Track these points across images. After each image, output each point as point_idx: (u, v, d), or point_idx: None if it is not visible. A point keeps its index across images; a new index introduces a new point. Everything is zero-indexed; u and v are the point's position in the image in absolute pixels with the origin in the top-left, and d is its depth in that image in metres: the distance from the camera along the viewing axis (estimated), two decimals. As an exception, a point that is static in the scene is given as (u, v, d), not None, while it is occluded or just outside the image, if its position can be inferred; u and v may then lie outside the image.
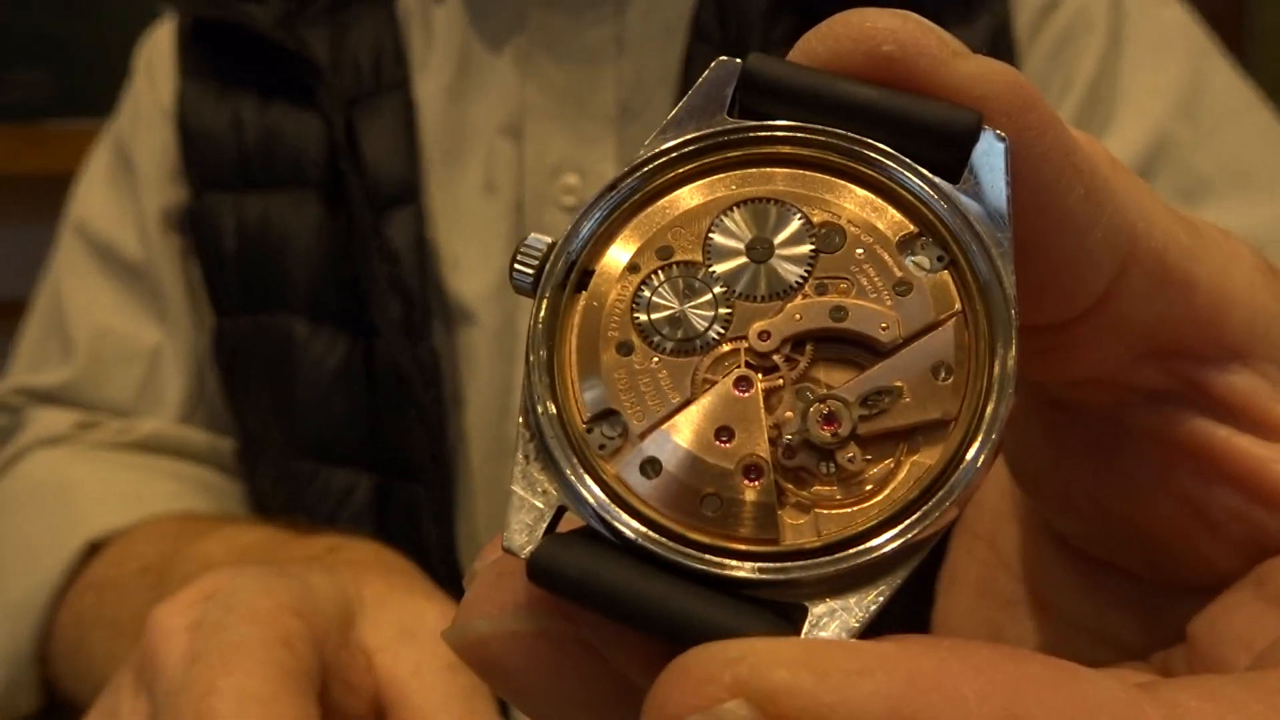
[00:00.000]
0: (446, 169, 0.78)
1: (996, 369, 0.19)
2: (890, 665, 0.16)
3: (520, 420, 0.20)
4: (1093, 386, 0.25)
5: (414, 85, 0.78)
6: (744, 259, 0.20)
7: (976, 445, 0.18)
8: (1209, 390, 0.24)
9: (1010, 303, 0.19)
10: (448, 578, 0.76)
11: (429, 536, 0.76)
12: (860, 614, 0.18)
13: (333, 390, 0.78)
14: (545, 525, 0.19)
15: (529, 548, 0.19)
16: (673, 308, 0.20)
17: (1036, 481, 0.28)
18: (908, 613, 0.23)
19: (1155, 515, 0.25)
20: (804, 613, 0.18)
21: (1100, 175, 0.21)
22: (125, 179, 0.87)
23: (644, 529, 0.18)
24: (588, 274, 0.20)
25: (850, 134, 0.20)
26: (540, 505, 0.19)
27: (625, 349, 0.20)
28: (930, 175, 0.20)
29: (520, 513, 0.19)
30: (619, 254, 0.20)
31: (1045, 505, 0.29)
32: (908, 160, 0.20)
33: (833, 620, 0.18)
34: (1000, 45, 0.75)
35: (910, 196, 0.20)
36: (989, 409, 0.19)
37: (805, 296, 0.19)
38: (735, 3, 0.73)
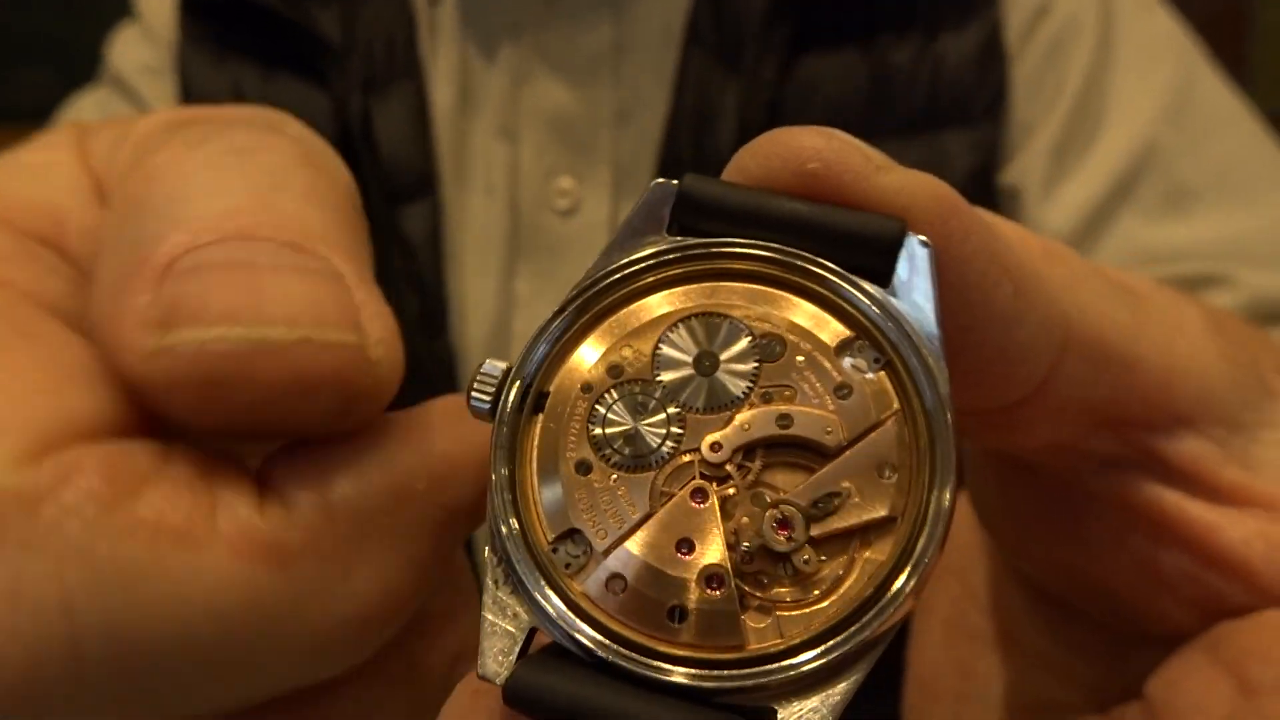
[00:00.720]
0: (455, 166, 0.78)
1: (938, 461, 0.20)
2: None
3: (488, 547, 0.20)
4: (1048, 452, 0.25)
5: (425, 75, 0.78)
6: (692, 372, 0.21)
7: (924, 538, 0.19)
8: (1159, 457, 0.24)
9: (944, 400, 0.20)
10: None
11: None
12: (826, 713, 0.19)
13: None
14: (518, 649, 0.20)
15: (503, 674, 0.19)
16: (627, 425, 0.21)
17: (998, 533, 0.29)
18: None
19: (1111, 572, 0.26)
20: (773, 715, 0.19)
21: (1029, 271, 0.22)
22: (127, 109, 0.84)
23: (613, 644, 0.19)
24: (543, 396, 0.21)
25: (785, 248, 0.21)
26: (512, 629, 0.20)
27: (583, 468, 0.20)
28: (862, 283, 0.21)
29: (493, 639, 0.20)
30: (573, 375, 0.21)
31: (1008, 554, 0.29)
32: (841, 270, 0.21)
33: None
34: (992, 51, 0.75)
35: (845, 304, 0.21)
36: (933, 501, 0.19)
37: (752, 406, 0.20)
38: (732, 8, 0.74)
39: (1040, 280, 0.22)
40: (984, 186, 0.75)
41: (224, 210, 0.24)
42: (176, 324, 0.22)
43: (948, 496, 0.19)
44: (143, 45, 0.85)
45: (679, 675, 0.19)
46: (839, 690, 0.19)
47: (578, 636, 0.19)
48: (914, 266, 0.21)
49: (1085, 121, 0.75)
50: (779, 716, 0.19)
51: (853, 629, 0.19)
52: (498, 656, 0.20)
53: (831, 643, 0.19)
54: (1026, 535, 0.28)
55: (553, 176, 0.77)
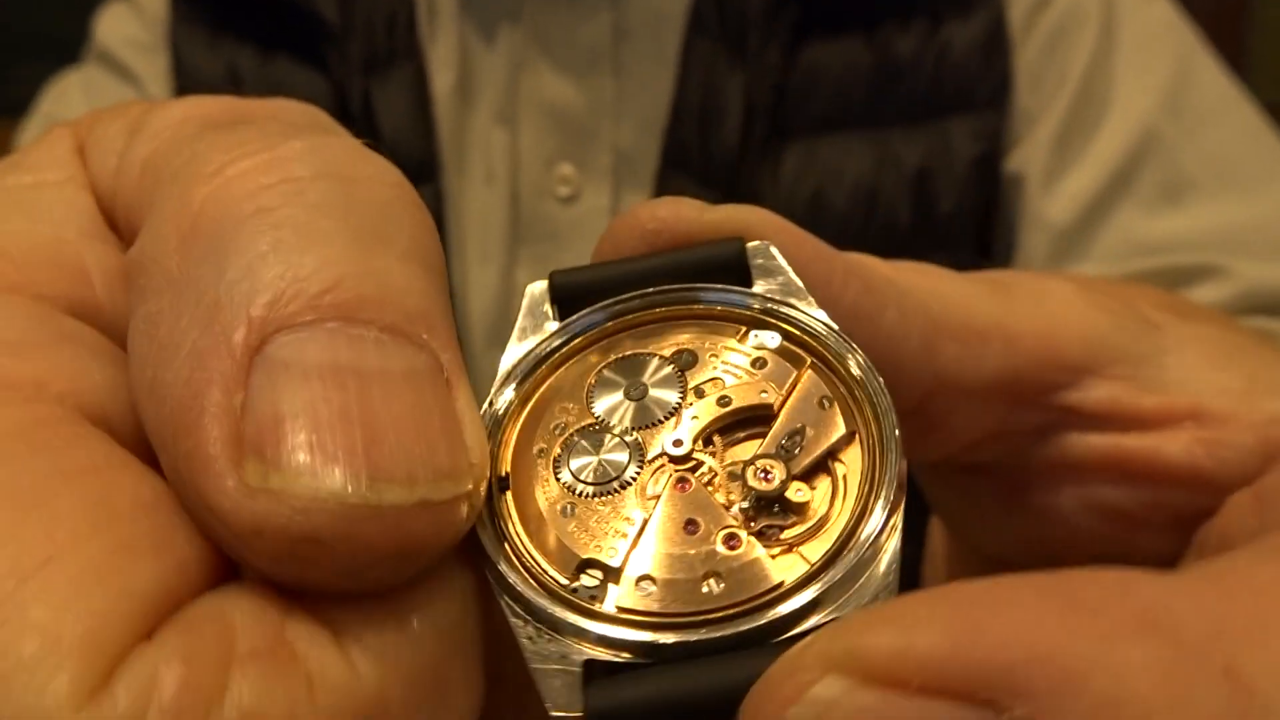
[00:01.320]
0: (455, 152, 0.78)
1: (859, 376, 0.22)
2: (957, 594, 0.16)
3: (508, 616, 0.21)
4: (985, 447, 0.26)
5: (425, 59, 0.78)
6: (626, 401, 0.23)
7: (887, 434, 0.21)
8: (1078, 410, 0.26)
9: (838, 332, 0.22)
10: None
11: None
12: (889, 575, 0.20)
13: None
14: (580, 681, 0.20)
15: (576, 707, 0.20)
16: (591, 459, 0.22)
17: (969, 535, 0.30)
18: None
19: (1083, 531, 0.26)
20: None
21: (873, 273, 0.24)
22: (114, 82, 0.83)
23: (671, 632, 0.20)
24: (504, 479, 0.22)
25: (656, 289, 0.24)
26: (566, 669, 0.20)
27: (567, 510, 0.22)
28: (734, 287, 0.23)
29: (552, 682, 0.20)
30: (522, 449, 0.22)
31: (982, 550, 0.30)
32: (711, 285, 0.23)
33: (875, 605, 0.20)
34: (996, 39, 0.75)
35: (729, 308, 0.23)
36: (880, 404, 0.22)
37: (691, 403, 0.22)
38: None
39: (889, 280, 0.24)
40: (988, 174, 0.75)
41: (319, 270, 0.19)
42: (278, 462, 0.17)
43: (887, 396, 0.22)
44: (131, 21, 0.84)
45: (744, 625, 0.20)
46: (885, 556, 0.20)
47: (634, 639, 0.20)
48: (764, 263, 0.24)
49: (1088, 111, 0.75)
50: (846, 608, 0.20)
51: (869, 503, 0.21)
52: (564, 694, 0.20)
53: (859, 526, 0.20)
54: (996, 527, 0.28)
55: (553, 164, 0.77)
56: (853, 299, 0.24)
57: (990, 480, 0.28)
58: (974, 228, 0.76)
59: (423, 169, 0.76)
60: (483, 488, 0.20)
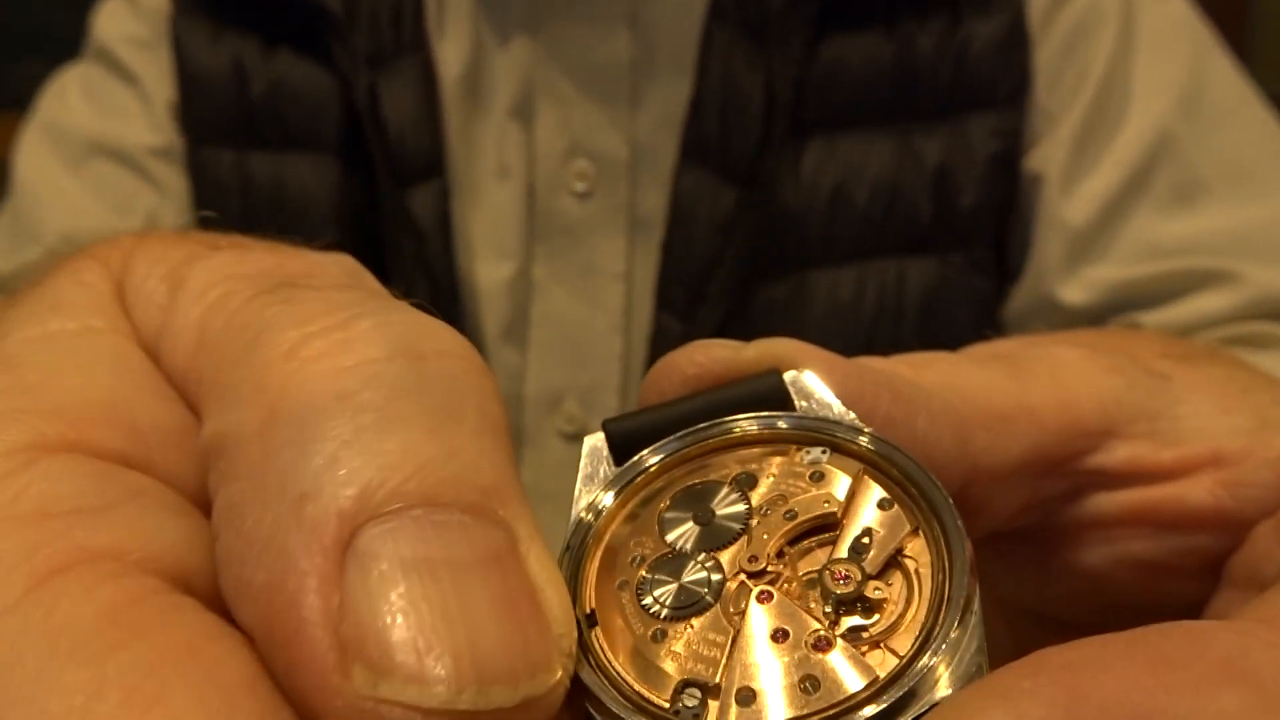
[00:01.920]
0: (464, 147, 0.78)
1: (912, 474, 0.23)
2: (1050, 671, 0.17)
3: None
4: (1020, 518, 0.27)
5: (433, 51, 0.77)
6: (696, 527, 0.24)
7: (949, 524, 0.22)
8: (1104, 472, 0.27)
9: (880, 437, 0.24)
10: None
11: None
12: (971, 647, 0.21)
13: None
14: None
15: None
16: (672, 585, 0.23)
17: (1013, 597, 0.31)
18: None
19: (1115, 586, 0.28)
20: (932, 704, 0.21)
21: (900, 381, 0.25)
22: (116, 85, 0.82)
23: None
24: (590, 615, 0.23)
25: (703, 424, 0.25)
26: None
27: (659, 636, 0.22)
28: (775, 414, 0.25)
29: None
30: (604, 584, 0.23)
31: (1024, 609, 0.31)
32: (756, 414, 0.25)
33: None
34: (1017, 36, 0.75)
35: (775, 431, 0.25)
36: (935, 499, 0.23)
37: (758, 522, 0.23)
38: None
39: (915, 385, 0.25)
40: (1007, 172, 0.75)
41: (403, 457, 0.18)
42: (387, 669, 0.17)
43: (943, 491, 0.23)
44: (129, 18, 0.83)
45: (853, 717, 0.20)
46: (973, 638, 0.21)
47: None
48: (806, 392, 0.25)
49: (1107, 111, 0.75)
50: (937, 676, 0.21)
51: (946, 591, 0.22)
52: None
53: (940, 615, 0.21)
54: (1029, 585, 0.30)
55: (569, 159, 0.77)
56: (885, 410, 0.25)
57: (1022, 544, 0.28)
58: (993, 225, 0.76)
59: (430, 164, 0.75)
60: (573, 653, 0.20)
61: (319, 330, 0.20)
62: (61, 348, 0.22)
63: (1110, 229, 0.74)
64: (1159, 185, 0.74)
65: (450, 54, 0.77)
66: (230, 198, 0.78)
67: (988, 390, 0.26)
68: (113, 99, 0.83)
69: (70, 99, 0.85)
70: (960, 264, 0.75)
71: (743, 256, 0.73)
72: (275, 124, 0.78)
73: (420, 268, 0.75)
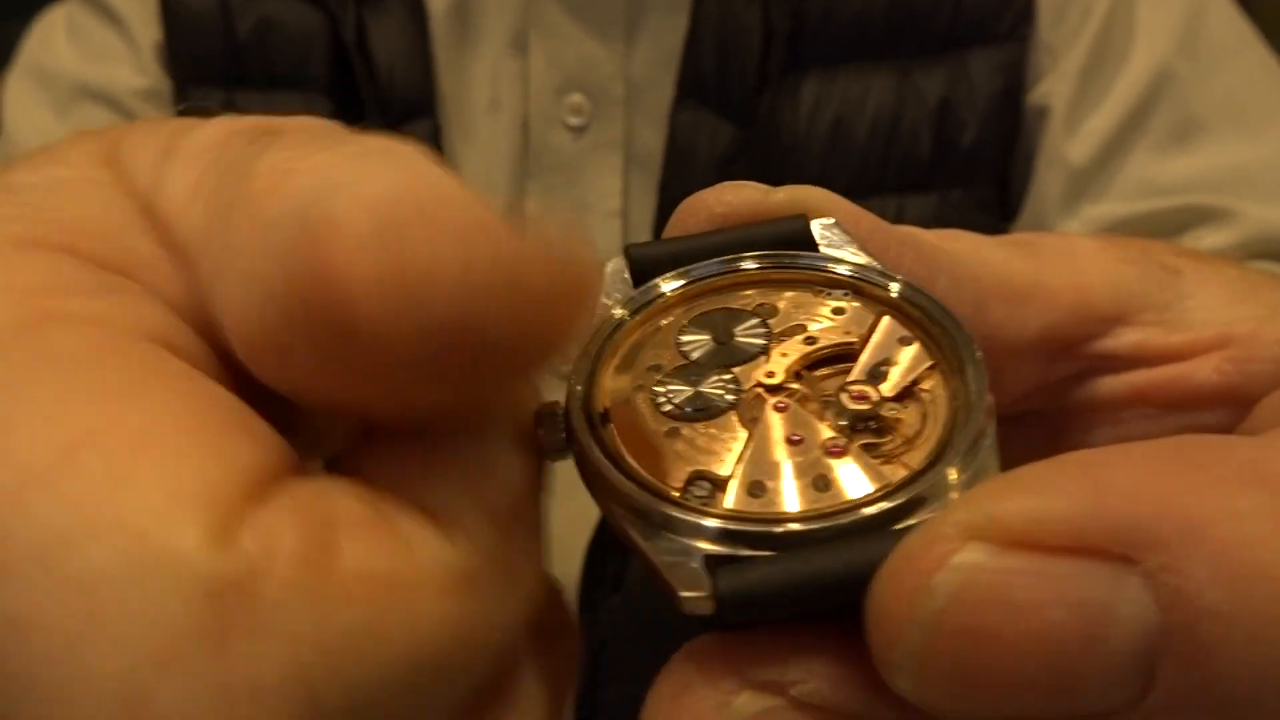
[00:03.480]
0: (455, 83, 0.76)
1: (943, 319, 0.23)
2: (1082, 461, 0.18)
3: (620, 523, 0.21)
4: (1026, 400, 0.28)
5: None
6: (715, 345, 0.24)
7: (970, 364, 0.23)
8: (1113, 355, 0.27)
9: (907, 281, 0.24)
10: None
11: None
12: (989, 459, 0.21)
13: None
14: (704, 568, 0.20)
15: (706, 592, 0.20)
16: (689, 392, 0.23)
17: None
18: None
19: None
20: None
21: (925, 241, 0.26)
22: (103, 29, 0.82)
23: (788, 527, 0.20)
24: (604, 414, 0.23)
25: (730, 258, 0.25)
26: (687, 561, 0.21)
27: (673, 434, 0.23)
28: (804, 252, 0.25)
29: (676, 573, 0.20)
30: (620, 387, 0.24)
31: None
32: (783, 252, 0.25)
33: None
34: None
35: (801, 271, 0.25)
36: (959, 339, 0.23)
37: (779, 344, 0.24)
38: None
39: (939, 247, 0.26)
40: (1010, 108, 0.74)
41: None
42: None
43: (966, 332, 0.23)
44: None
45: (861, 514, 0.20)
46: (989, 458, 0.21)
47: (754, 530, 0.20)
48: (831, 240, 0.25)
49: (1111, 48, 0.74)
50: (950, 481, 0.20)
51: (959, 418, 0.22)
52: (691, 578, 0.20)
53: (954, 438, 0.21)
54: None
55: (564, 93, 0.75)
56: (908, 267, 0.25)
57: (1029, 429, 0.29)
58: (995, 162, 0.75)
59: (421, 101, 0.75)
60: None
61: (305, 153, 0.20)
62: (60, 185, 0.23)
63: (1109, 167, 0.73)
64: (1158, 124, 0.73)
65: None
66: None
67: (1007, 265, 0.26)
68: (98, 41, 0.82)
69: (56, 42, 0.83)
70: (960, 201, 0.74)
71: None
72: (262, 63, 0.77)
73: None
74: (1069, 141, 0.73)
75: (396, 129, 0.74)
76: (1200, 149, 0.73)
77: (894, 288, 0.24)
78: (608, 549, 0.69)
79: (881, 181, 0.73)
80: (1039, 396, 0.28)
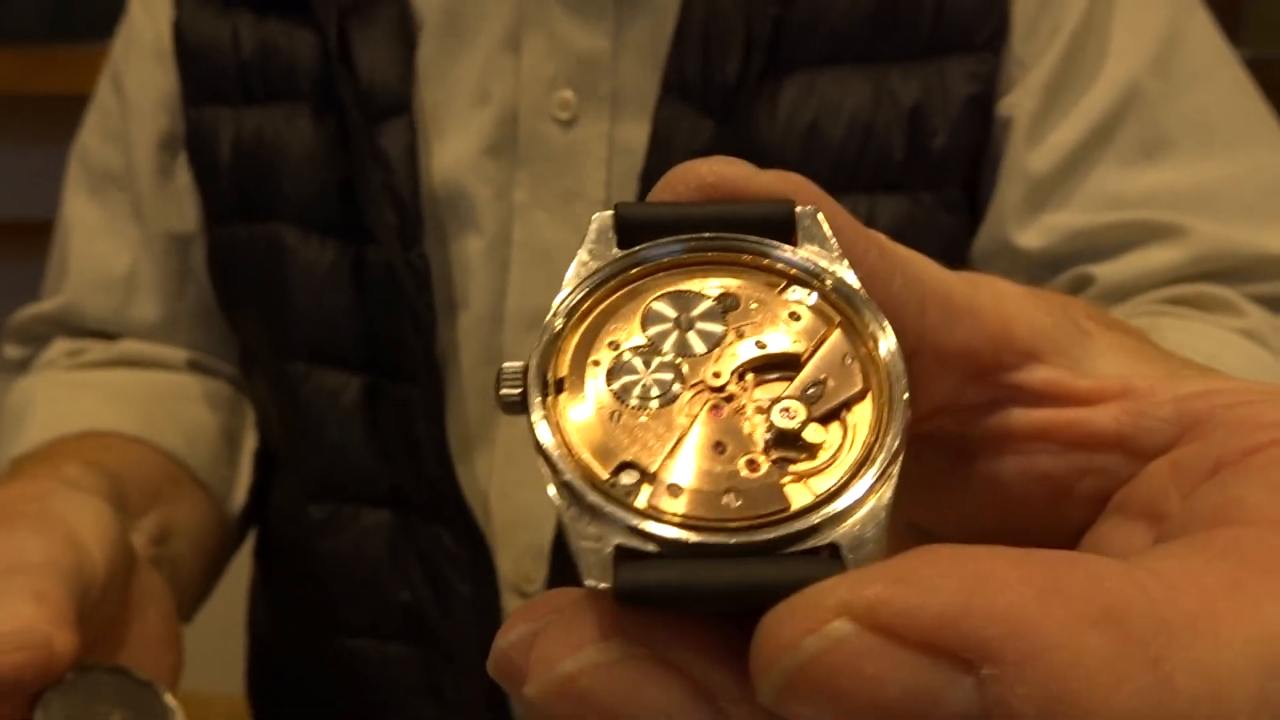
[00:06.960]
0: (441, 80, 0.79)
1: (885, 352, 0.25)
2: (960, 566, 0.20)
3: (556, 494, 0.24)
4: (936, 418, 0.30)
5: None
6: (675, 330, 0.25)
7: (897, 398, 0.24)
8: (1021, 388, 0.29)
9: (868, 300, 0.25)
10: (439, 474, 0.78)
11: (421, 433, 0.79)
12: (879, 513, 0.23)
13: (324, 293, 0.80)
14: (612, 560, 0.23)
15: (609, 580, 0.22)
16: (640, 375, 0.25)
17: (907, 509, 0.32)
18: None
19: (1014, 501, 0.29)
20: (835, 547, 0.23)
21: (884, 242, 0.28)
22: (115, 104, 0.89)
23: (693, 535, 0.23)
24: (560, 381, 0.25)
25: (711, 234, 0.26)
26: (601, 548, 0.23)
27: (615, 417, 0.24)
28: (781, 244, 0.26)
29: (588, 558, 0.23)
30: (579, 358, 0.25)
31: (918, 521, 0.33)
32: (763, 240, 0.26)
33: (864, 539, 0.23)
34: None
35: (774, 263, 0.26)
36: (894, 372, 0.25)
37: (731, 342, 0.25)
38: None
39: (898, 250, 0.28)
40: (981, 115, 0.76)
41: None
42: None
43: (901, 358, 0.25)
44: (151, 65, 0.87)
45: (757, 536, 0.23)
46: (881, 500, 0.23)
47: (661, 534, 0.23)
48: (811, 231, 0.26)
49: (1082, 63, 0.76)
50: (841, 536, 0.23)
51: (872, 453, 0.24)
52: (599, 568, 0.23)
53: (860, 471, 0.24)
54: (935, 498, 0.31)
55: (554, 87, 0.78)
56: (871, 263, 0.27)
57: (938, 446, 0.30)
58: (964, 167, 0.77)
59: (398, 102, 0.78)
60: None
61: None
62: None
63: (1072, 179, 0.75)
64: (1125, 139, 0.75)
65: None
66: (222, 153, 0.84)
67: (950, 282, 0.28)
68: (112, 119, 0.88)
69: (90, 117, 0.90)
70: (930, 203, 0.76)
71: None
72: (262, 80, 0.82)
73: (389, 197, 0.77)
74: (1031, 152, 0.75)
75: (376, 127, 0.77)
76: (1165, 165, 0.74)
77: (852, 303, 0.25)
78: None
79: (854, 181, 0.76)
80: (952, 418, 0.29)
